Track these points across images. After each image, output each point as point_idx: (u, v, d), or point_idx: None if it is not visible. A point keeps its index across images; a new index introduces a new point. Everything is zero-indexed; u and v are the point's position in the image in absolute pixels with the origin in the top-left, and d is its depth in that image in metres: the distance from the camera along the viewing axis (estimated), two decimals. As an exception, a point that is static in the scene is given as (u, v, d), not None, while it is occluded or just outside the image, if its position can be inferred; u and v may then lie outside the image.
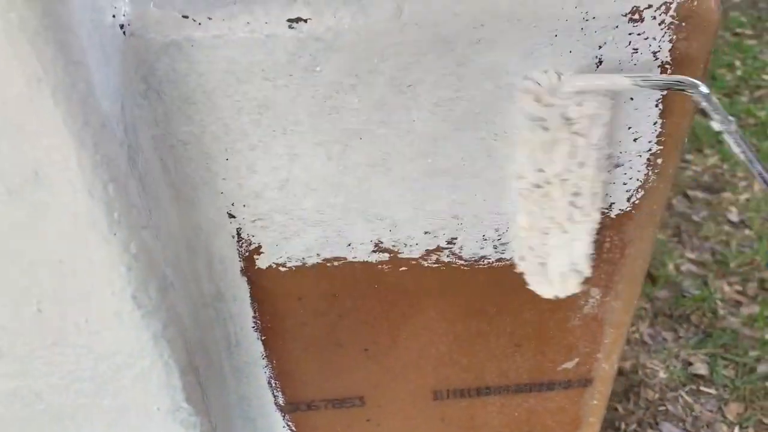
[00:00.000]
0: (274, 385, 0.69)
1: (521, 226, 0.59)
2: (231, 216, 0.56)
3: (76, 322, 0.50)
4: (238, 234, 0.57)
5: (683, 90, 0.47)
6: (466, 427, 0.76)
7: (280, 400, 0.71)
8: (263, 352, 0.66)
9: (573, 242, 0.59)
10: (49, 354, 0.52)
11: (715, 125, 0.46)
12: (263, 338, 0.65)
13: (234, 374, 0.67)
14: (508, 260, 0.61)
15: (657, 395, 1.72)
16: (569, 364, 0.71)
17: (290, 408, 0.71)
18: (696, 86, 0.46)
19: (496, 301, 0.65)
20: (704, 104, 0.46)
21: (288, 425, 0.73)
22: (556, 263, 0.60)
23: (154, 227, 0.49)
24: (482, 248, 0.60)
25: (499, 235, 0.59)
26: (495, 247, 0.60)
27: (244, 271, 0.59)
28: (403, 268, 0.61)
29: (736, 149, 0.47)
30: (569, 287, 0.62)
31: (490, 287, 0.63)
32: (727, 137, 0.47)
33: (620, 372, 1.79)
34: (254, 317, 0.63)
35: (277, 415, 0.72)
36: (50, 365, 0.53)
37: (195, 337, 0.59)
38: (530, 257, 0.60)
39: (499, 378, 0.72)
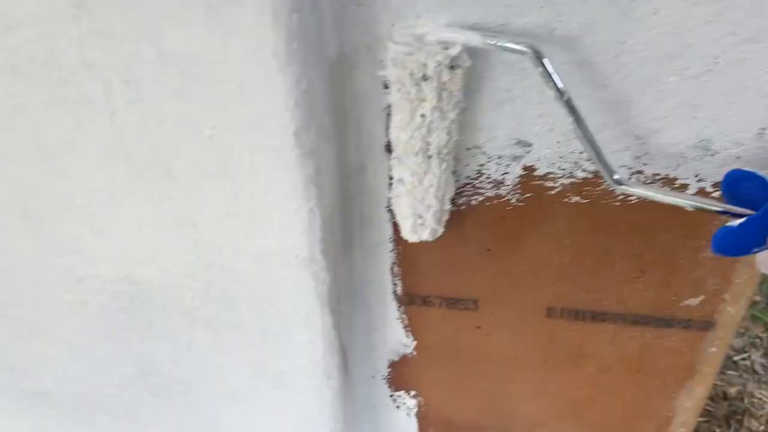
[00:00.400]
0: (396, 272, 0.72)
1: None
2: (385, 87, 0.59)
3: (240, 153, 0.55)
4: (388, 107, 0.60)
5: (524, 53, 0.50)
6: (575, 354, 0.76)
7: (399, 290, 0.73)
8: (392, 236, 0.69)
9: None
10: (210, 183, 0.57)
11: (551, 92, 0.51)
12: (394, 221, 0.68)
13: (362, 254, 0.71)
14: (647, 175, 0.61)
15: (762, 427, 1.63)
16: (693, 301, 0.69)
17: (407, 300, 0.74)
18: (540, 57, 0.49)
19: (629, 218, 0.64)
20: (540, 70, 0.50)
21: (402, 318, 0.76)
22: None
23: (320, 71, 0.53)
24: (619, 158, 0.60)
25: (641, 143, 0.59)
26: (637, 157, 0.60)
27: (388, 147, 0.62)
28: (540, 166, 0.62)
29: (567, 119, 0.51)
30: None
31: (624, 201, 0.63)
32: (560, 106, 0.51)
33: (724, 397, 1.71)
34: (389, 197, 0.66)
35: (393, 306, 0.75)
36: (210, 195, 0.58)
37: (337, 203, 0.63)
38: None
39: (617, 304, 0.71)
